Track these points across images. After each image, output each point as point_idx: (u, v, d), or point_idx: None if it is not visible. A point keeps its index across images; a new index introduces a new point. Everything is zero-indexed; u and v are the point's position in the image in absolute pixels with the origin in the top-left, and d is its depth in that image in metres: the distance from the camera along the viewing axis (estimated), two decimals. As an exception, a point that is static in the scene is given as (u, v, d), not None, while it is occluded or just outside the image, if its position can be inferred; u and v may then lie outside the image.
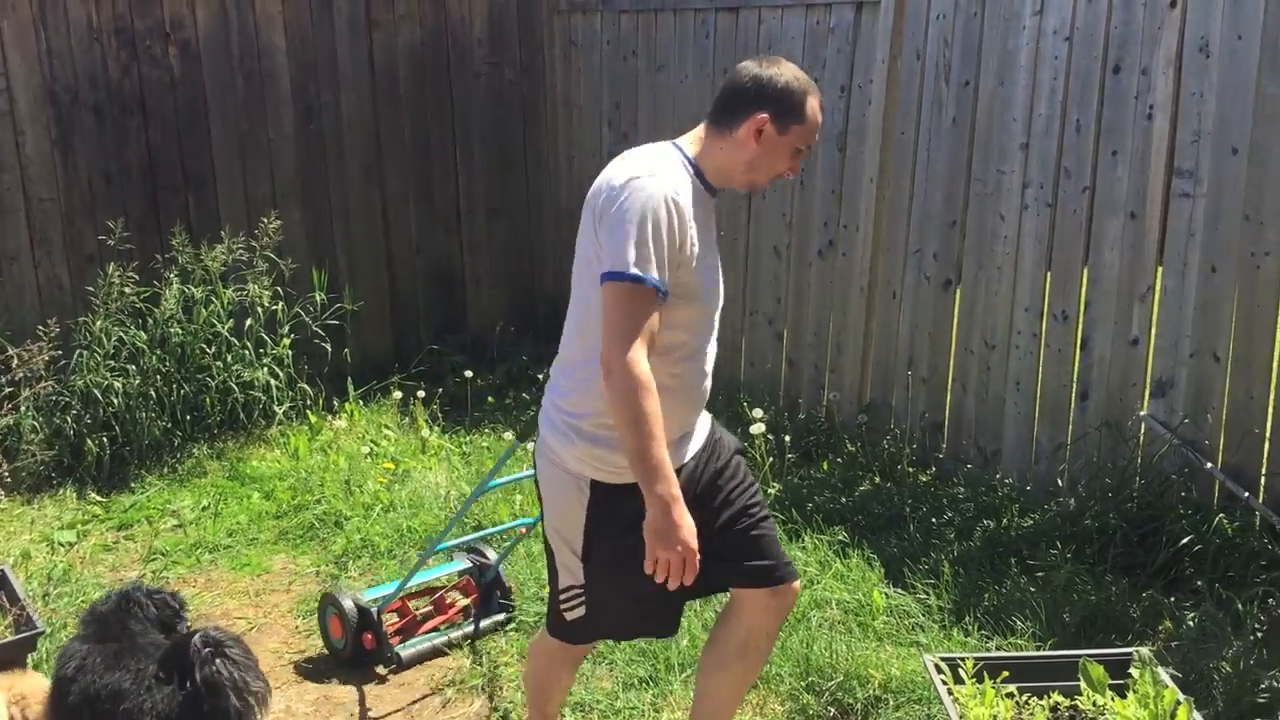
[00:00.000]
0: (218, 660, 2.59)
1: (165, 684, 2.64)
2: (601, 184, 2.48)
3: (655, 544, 2.36)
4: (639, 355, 2.33)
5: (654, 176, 2.40)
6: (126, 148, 5.62)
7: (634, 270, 2.33)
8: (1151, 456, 4.14)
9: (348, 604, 3.69)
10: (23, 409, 5.09)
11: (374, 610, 3.69)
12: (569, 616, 2.70)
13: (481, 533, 3.97)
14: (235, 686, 2.59)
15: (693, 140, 2.57)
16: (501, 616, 3.91)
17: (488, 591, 3.94)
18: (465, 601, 3.95)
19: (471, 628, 3.83)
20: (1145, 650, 2.68)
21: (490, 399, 6.03)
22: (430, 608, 3.91)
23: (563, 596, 2.69)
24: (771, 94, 2.49)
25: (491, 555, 3.99)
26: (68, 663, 2.80)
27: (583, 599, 2.67)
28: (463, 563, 3.99)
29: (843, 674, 3.40)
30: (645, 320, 2.35)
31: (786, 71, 2.52)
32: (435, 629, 3.85)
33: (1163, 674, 2.66)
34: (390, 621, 3.78)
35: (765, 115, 2.49)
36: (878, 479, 4.82)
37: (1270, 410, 3.93)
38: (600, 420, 2.48)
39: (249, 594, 4.25)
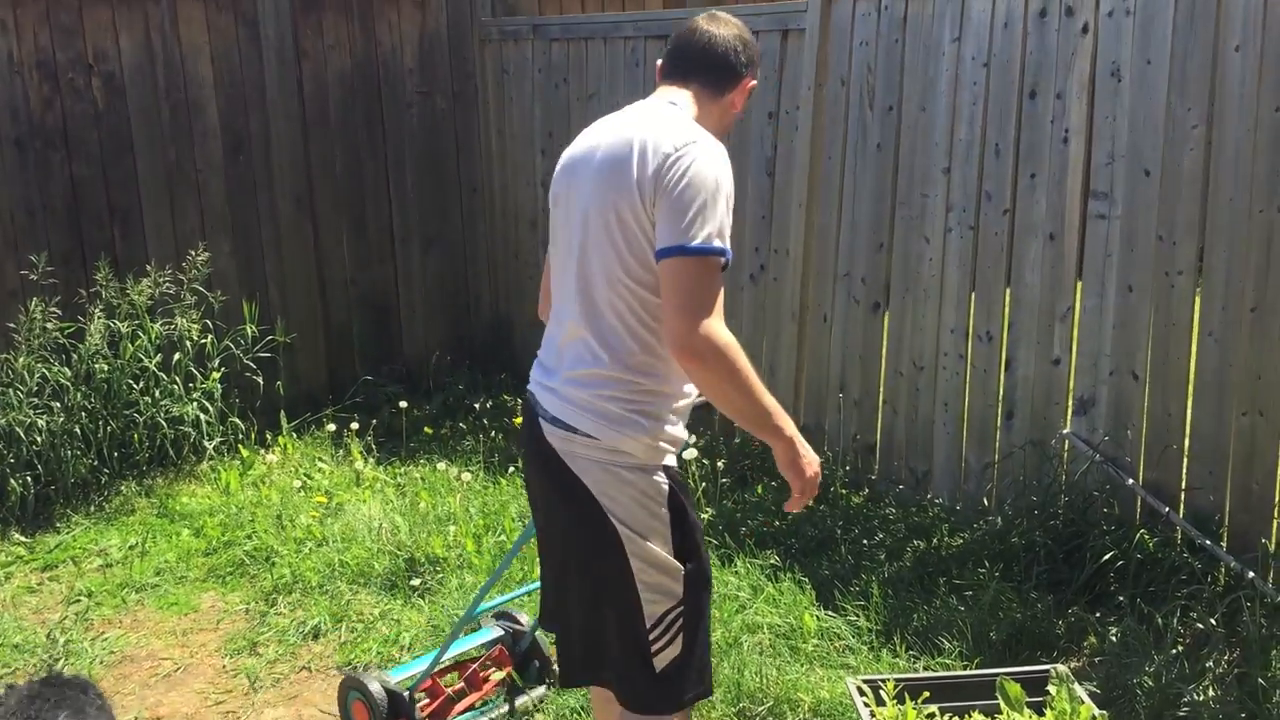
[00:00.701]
0: None
1: None
2: (643, 147, 2.28)
3: (797, 478, 2.41)
4: (723, 325, 2.24)
5: (710, 144, 2.32)
6: (49, 181, 5.53)
7: (716, 243, 2.22)
8: (1075, 474, 4.20)
9: (375, 688, 3.28)
10: (-58, 449, 4.98)
11: (406, 693, 3.29)
12: (663, 661, 2.37)
13: (510, 595, 3.56)
14: None
15: (690, 103, 2.46)
16: (543, 690, 3.54)
17: (524, 661, 3.59)
18: (501, 674, 3.51)
19: (507, 706, 3.47)
20: (1062, 667, 2.72)
21: (427, 429, 5.99)
22: (463, 685, 3.47)
23: (654, 635, 2.36)
24: (757, 59, 2.55)
25: (524, 619, 3.63)
26: None
27: (681, 621, 2.38)
28: (493, 630, 3.59)
29: (773, 698, 3.41)
30: (720, 292, 2.25)
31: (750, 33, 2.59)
32: (471, 707, 3.44)
33: (1079, 690, 2.70)
34: (421, 703, 3.37)
35: (755, 82, 2.55)
36: (811, 502, 4.82)
37: (1187, 426, 4.00)
38: (661, 398, 2.39)
39: (176, 633, 4.17)
